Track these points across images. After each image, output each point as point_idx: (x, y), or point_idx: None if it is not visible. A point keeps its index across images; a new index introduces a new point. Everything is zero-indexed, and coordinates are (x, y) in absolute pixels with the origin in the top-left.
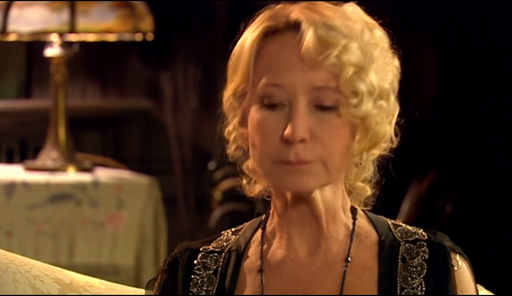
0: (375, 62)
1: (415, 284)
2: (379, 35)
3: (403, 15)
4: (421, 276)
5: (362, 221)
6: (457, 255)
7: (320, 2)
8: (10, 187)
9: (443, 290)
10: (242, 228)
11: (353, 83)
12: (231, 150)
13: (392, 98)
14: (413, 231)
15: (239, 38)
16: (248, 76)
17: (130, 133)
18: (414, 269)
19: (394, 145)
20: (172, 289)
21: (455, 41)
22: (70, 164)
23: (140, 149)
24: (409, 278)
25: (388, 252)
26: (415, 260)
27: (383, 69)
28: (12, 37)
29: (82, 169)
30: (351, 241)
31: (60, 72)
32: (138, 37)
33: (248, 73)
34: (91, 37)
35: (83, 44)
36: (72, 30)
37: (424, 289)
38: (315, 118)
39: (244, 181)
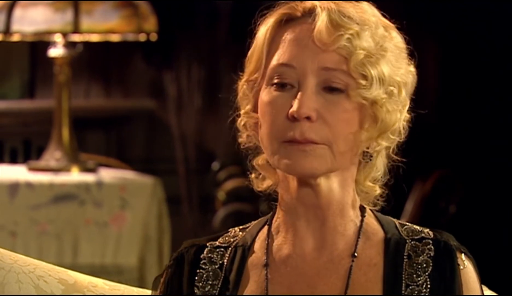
0: (387, 54)
1: (420, 281)
2: (395, 35)
3: (406, 17)
4: (426, 273)
5: (370, 219)
6: (462, 254)
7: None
8: (14, 187)
9: (449, 288)
10: (249, 226)
11: (364, 67)
12: (242, 138)
13: (403, 93)
14: (419, 230)
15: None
16: (261, 62)
17: (134, 134)
18: (419, 266)
19: (402, 139)
20: (177, 284)
21: (459, 42)
22: (73, 164)
23: (144, 149)
24: (414, 275)
25: (394, 249)
26: (421, 257)
27: (396, 64)
28: (15, 38)
29: (85, 169)
30: (358, 237)
31: (64, 73)
32: (142, 37)
33: (262, 59)
34: (94, 38)
35: (87, 44)
36: (76, 30)
37: (429, 286)
38: (323, 100)
39: (253, 175)
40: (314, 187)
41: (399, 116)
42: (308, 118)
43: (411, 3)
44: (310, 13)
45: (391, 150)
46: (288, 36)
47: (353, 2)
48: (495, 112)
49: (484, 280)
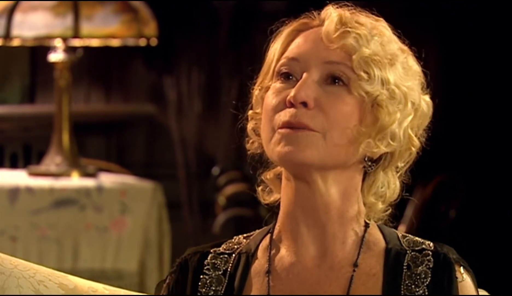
0: (395, 64)
1: (418, 292)
2: (410, 60)
3: (407, 19)
4: (425, 285)
5: (373, 229)
6: (461, 267)
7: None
8: (14, 192)
9: None
10: (253, 234)
11: (367, 65)
12: (250, 144)
13: (409, 105)
14: (420, 241)
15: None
16: (274, 69)
17: (135, 138)
18: (418, 277)
19: (409, 160)
20: (180, 290)
21: (461, 45)
22: (74, 169)
23: (144, 154)
24: (413, 286)
25: (394, 259)
26: (420, 268)
27: (404, 77)
28: (16, 42)
29: (86, 174)
30: (360, 247)
31: (64, 77)
32: (142, 42)
33: (274, 65)
34: (95, 42)
35: (87, 49)
36: (76, 35)
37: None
38: (323, 91)
39: (260, 188)
40: (310, 184)
41: (399, 116)
42: (304, 104)
43: (412, 6)
44: (324, 21)
45: (398, 169)
46: (299, 39)
47: (371, 17)
48: (497, 116)
49: (484, 283)
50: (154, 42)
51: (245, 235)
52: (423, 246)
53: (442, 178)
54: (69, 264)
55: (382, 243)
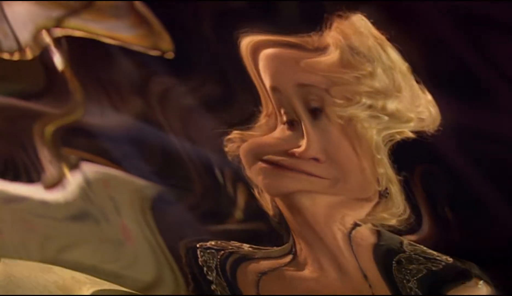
0: (402, 93)
1: (408, 285)
2: (390, 52)
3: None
4: (415, 278)
5: (363, 228)
6: (481, 281)
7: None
8: (21, 199)
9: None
10: (267, 249)
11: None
12: (232, 147)
13: (412, 124)
14: (436, 254)
15: None
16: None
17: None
18: (409, 271)
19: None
20: None
21: (452, 36)
22: (62, 163)
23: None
24: (404, 281)
25: (384, 254)
26: (414, 265)
27: (411, 95)
28: (29, 54)
29: (72, 166)
30: (351, 245)
31: (76, 87)
32: (156, 54)
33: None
34: (78, 33)
35: (84, 52)
36: (58, 25)
37: (416, 287)
38: (314, 128)
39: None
40: (292, 202)
41: (375, 135)
42: (315, 159)
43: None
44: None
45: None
46: (275, 63)
47: (346, 23)
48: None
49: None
50: (170, 55)
51: (254, 246)
52: (437, 257)
53: (423, 168)
54: (52, 253)
55: (371, 239)
